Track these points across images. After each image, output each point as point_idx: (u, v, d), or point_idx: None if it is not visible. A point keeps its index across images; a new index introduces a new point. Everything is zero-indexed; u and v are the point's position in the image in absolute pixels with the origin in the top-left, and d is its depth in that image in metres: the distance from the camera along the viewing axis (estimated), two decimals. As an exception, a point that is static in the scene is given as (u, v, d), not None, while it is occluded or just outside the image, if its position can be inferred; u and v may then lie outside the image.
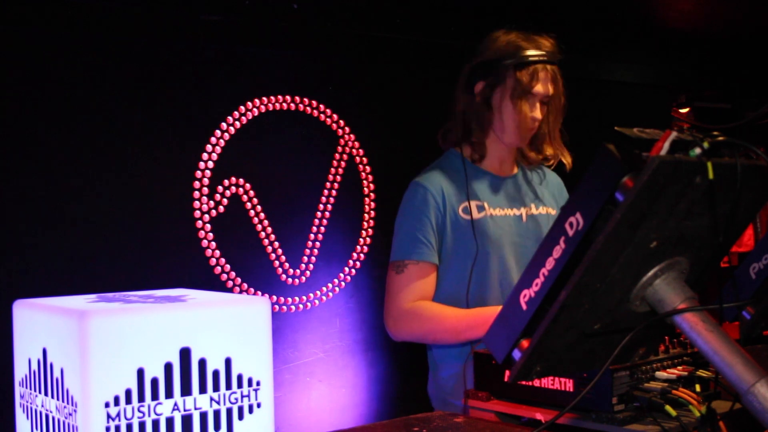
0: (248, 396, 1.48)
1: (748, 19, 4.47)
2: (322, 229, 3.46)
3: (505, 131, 2.35)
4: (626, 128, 1.19)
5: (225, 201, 3.18)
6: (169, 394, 1.38)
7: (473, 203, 2.34)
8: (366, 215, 3.59)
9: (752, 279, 1.75)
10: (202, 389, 1.42)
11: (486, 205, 2.36)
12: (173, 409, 1.38)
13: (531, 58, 2.29)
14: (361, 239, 3.57)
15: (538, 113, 2.33)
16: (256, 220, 3.27)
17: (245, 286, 3.23)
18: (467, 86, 2.36)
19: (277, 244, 3.32)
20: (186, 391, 1.40)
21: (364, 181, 3.59)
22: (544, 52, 2.31)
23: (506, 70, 2.30)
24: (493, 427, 1.65)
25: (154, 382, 1.36)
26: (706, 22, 4.55)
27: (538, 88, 2.30)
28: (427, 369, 2.50)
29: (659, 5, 4.27)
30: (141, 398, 1.35)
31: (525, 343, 1.24)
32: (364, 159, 3.58)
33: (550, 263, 1.20)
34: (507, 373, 1.76)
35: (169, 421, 1.38)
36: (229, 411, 1.45)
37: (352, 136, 3.54)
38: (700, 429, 1.51)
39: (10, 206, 2.74)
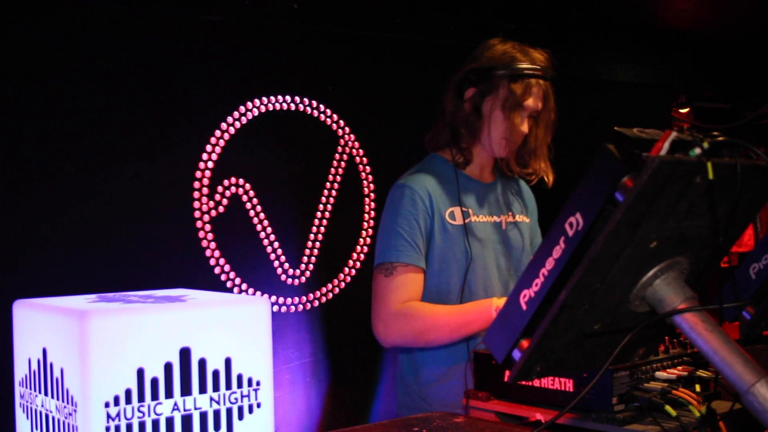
0: (248, 396, 1.48)
1: (748, 19, 4.47)
2: (322, 229, 3.46)
3: (492, 141, 2.34)
4: (626, 128, 1.19)
5: (225, 201, 3.18)
6: (169, 394, 1.38)
7: (460, 209, 2.33)
8: (366, 215, 3.59)
9: (752, 279, 1.76)
10: (202, 389, 1.42)
11: (470, 211, 2.35)
12: (173, 409, 1.38)
13: (526, 71, 2.28)
14: (361, 239, 3.57)
15: (525, 127, 2.32)
16: (256, 220, 3.27)
17: (245, 286, 3.23)
18: (458, 91, 2.34)
19: (277, 244, 3.32)
20: (186, 391, 1.40)
21: (364, 181, 3.58)
22: (538, 67, 2.30)
23: (500, 80, 2.28)
24: (493, 427, 1.65)
25: (154, 382, 1.36)
26: (706, 22, 4.54)
27: (530, 102, 2.29)
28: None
29: (659, 5, 4.27)
30: (141, 398, 1.35)
31: (525, 343, 1.23)
32: (364, 159, 3.58)
33: (550, 263, 1.20)
34: (507, 373, 1.76)
35: (169, 421, 1.38)
36: (229, 411, 1.45)
37: (352, 136, 3.54)
38: (700, 429, 1.51)
39: (11, 206, 2.74)
